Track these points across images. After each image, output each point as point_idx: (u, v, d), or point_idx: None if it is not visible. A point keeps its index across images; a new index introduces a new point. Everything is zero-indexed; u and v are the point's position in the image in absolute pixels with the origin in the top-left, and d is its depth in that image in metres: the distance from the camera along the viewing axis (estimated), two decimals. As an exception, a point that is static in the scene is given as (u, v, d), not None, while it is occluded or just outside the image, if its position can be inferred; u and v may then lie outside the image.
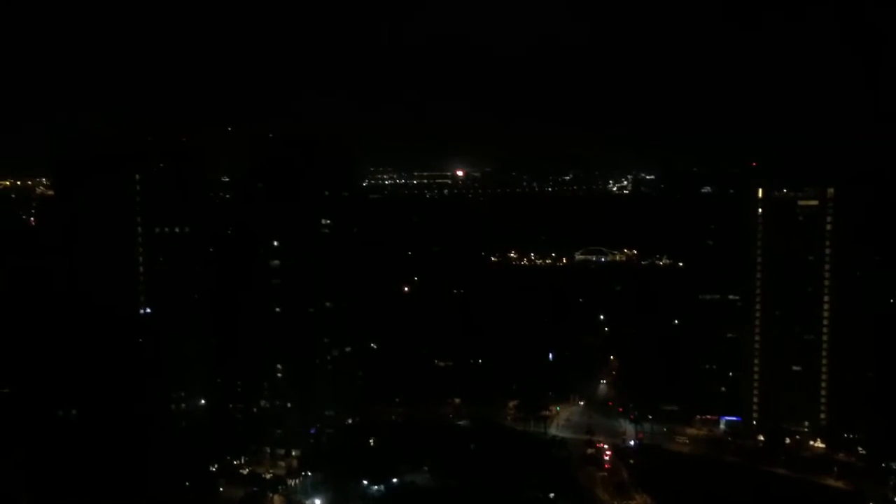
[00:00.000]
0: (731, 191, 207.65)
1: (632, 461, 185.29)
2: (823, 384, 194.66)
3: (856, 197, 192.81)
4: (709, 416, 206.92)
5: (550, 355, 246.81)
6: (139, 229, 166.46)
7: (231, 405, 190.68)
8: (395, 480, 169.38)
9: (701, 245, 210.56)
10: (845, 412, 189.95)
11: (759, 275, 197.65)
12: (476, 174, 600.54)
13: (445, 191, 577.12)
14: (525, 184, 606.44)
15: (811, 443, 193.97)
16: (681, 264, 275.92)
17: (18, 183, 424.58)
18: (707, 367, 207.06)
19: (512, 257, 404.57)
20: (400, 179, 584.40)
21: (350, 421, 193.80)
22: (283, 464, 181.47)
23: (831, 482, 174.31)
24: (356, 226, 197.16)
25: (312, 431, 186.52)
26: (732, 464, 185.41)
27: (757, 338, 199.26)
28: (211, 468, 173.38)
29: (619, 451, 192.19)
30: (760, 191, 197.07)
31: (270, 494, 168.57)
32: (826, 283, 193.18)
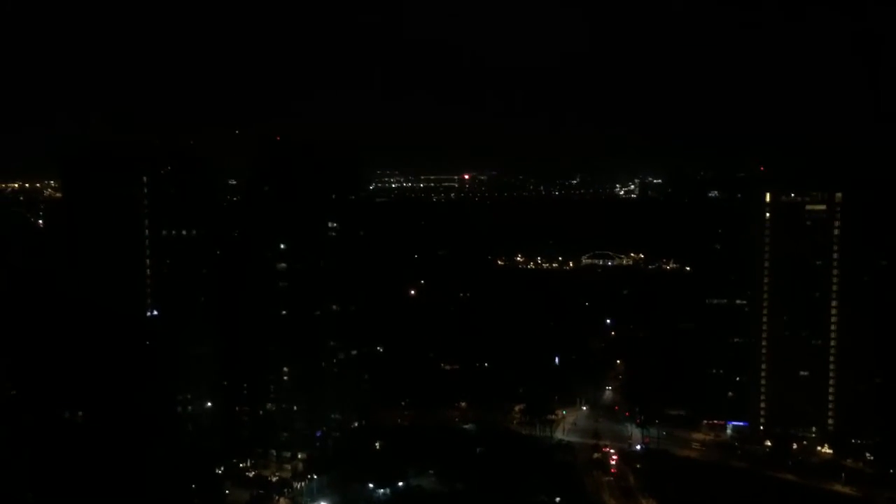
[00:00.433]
0: (739, 195, 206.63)
1: (638, 466, 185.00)
2: (831, 389, 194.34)
3: (864, 201, 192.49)
4: (716, 421, 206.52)
5: (557, 359, 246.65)
6: (146, 232, 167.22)
7: (237, 408, 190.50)
8: (401, 484, 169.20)
9: (708, 249, 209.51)
10: (853, 417, 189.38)
11: (766, 279, 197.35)
12: (482, 177, 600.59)
13: (452, 194, 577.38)
14: (532, 187, 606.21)
15: (819, 448, 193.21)
16: (688, 268, 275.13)
17: (26, 185, 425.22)
18: (714, 371, 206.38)
19: (518, 261, 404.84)
20: (406, 182, 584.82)
21: (356, 424, 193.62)
22: (289, 467, 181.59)
23: (839, 488, 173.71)
24: (363, 229, 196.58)
25: (318, 434, 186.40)
26: (739, 469, 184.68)
27: (764, 342, 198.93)
28: (217, 471, 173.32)
29: (626, 455, 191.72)
30: (768, 195, 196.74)
31: (276, 497, 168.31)
32: (834, 287, 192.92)
